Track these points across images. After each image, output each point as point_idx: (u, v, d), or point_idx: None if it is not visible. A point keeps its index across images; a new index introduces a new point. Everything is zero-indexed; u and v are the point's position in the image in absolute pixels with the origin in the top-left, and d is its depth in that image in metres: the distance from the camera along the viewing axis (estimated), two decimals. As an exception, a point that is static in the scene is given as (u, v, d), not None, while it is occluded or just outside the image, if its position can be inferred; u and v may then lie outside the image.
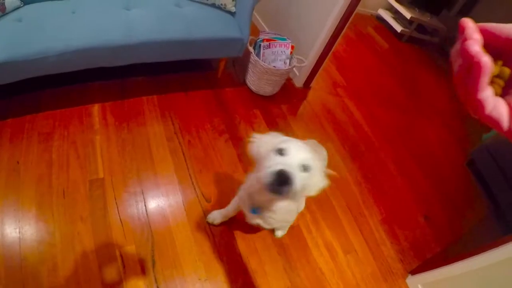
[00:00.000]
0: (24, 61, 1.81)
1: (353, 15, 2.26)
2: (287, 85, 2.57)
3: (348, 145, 2.38)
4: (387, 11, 4.80)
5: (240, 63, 2.48)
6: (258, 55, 2.30)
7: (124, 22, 1.94)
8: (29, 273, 1.48)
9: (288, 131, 2.25)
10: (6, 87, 1.90)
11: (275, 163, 0.94)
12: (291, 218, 1.53)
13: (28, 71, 1.88)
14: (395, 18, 4.69)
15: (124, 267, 1.51)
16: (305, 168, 0.97)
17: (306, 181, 0.99)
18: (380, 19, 4.86)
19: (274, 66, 2.27)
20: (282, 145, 0.99)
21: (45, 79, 1.93)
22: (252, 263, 1.61)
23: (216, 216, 1.66)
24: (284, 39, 2.36)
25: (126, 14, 1.97)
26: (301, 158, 0.97)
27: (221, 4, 2.15)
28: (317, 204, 1.93)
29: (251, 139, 1.12)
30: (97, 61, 1.97)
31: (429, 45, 4.80)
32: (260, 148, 1.07)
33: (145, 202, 1.71)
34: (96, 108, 2.03)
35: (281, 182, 0.91)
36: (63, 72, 1.94)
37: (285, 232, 1.75)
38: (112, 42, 1.90)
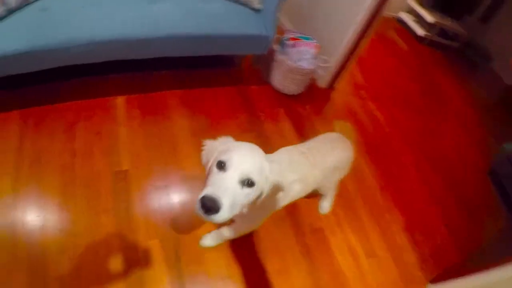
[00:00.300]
0: (48, 51, 1.81)
1: (379, 17, 2.22)
2: (311, 84, 2.55)
3: (370, 148, 2.35)
4: (408, 14, 4.74)
5: (264, 61, 2.45)
6: (283, 53, 2.28)
7: (149, 15, 1.93)
8: (50, 261, 1.48)
9: (312, 131, 2.23)
10: (31, 75, 1.91)
11: (211, 183, 0.89)
12: (258, 221, 1.38)
13: (52, 61, 1.89)
14: (416, 22, 4.62)
15: (146, 261, 1.51)
16: (247, 183, 0.89)
17: (250, 196, 0.91)
18: (401, 22, 4.80)
19: (300, 65, 2.24)
20: (223, 157, 0.91)
21: (70, 69, 1.93)
22: (275, 263, 1.60)
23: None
24: (310, 39, 2.34)
25: (151, 8, 1.96)
26: (241, 173, 0.88)
27: (246, 1, 2.13)
28: (341, 206, 1.91)
29: (202, 147, 1.06)
30: (121, 53, 1.97)
31: (450, 49, 4.73)
32: (208, 157, 1.00)
33: (169, 197, 1.70)
34: (120, 100, 2.02)
35: (207, 210, 0.82)
36: (88, 63, 1.94)
37: (214, 242, 1.58)
38: (137, 35, 1.90)
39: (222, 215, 0.83)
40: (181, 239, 1.58)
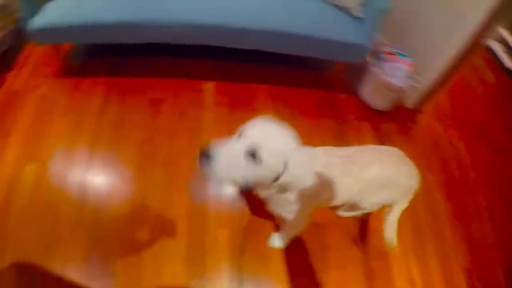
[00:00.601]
0: (146, 26, 1.89)
1: (479, 45, 2.08)
2: (398, 103, 2.43)
3: (447, 179, 2.21)
4: (499, 44, 4.40)
5: (355, 70, 2.38)
6: (377, 66, 2.19)
7: (250, 6, 1.94)
8: (116, 229, 1.53)
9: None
10: (126, 46, 1.97)
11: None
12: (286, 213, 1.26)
13: (149, 35, 1.96)
14: (506, 53, 4.28)
15: (212, 247, 1.52)
16: (253, 156, 0.85)
17: (255, 172, 0.87)
18: (490, 50, 4.47)
19: (392, 82, 2.15)
20: (244, 126, 0.90)
21: (164, 46, 1.97)
22: (335, 279, 1.56)
23: None
24: (405, 56, 2.23)
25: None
26: (249, 144, 0.85)
27: (346, 7, 2.06)
28: (409, 234, 1.82)
29: None
30: (217, 39, 2.00)
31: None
32: None
33: (246, 191, 1.70)
34: (210, 85, 2.05)
35: (202, 157, 0.83)
36: (183, 44, 1.98)
37: (282, 243, 1.57)
38: (235, 24, 1.92)
39: (214, 168, 0.83)
40: (250, 234, 1.57)
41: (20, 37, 2.41)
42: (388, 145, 2.14)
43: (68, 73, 2.20)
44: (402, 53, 2.24)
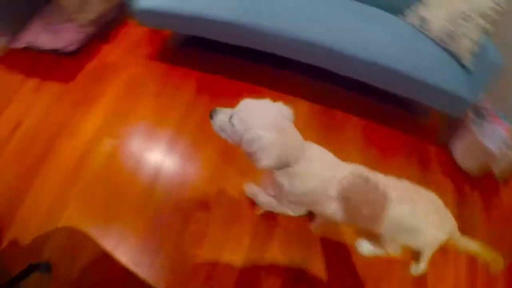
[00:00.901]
0: (251, 30, 1.88)
1: None
2: (487, 170, 2.24)
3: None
4: None
5: (452, 123, 2.22)
6: (475, 124, 2.06)
7: (362, 33, 1.87)
8: (177, 223, 1.56)
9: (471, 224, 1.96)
10: (226, 45, 1.96)
11: None
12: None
13: (252, 41, 1.96)
14: None
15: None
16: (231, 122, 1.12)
17: (232, 132, 1.13)
18: None
19: (487, 144, 2.00)
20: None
21: (263, 53, 1.93)
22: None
23: None
24: (507, 119, 2.08)
25: (363, 27, 1.94)
26: (232, 111, 1.15)
27: (457, 54, 1.95)
28: None
29: None
30: (322, 60, 1.95)
31: None
32: None
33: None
34: (302, 103, 2.00)
35: (210, 114, 1.19)
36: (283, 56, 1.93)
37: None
38: (344, 49, 1.85)
39: (213, 123, 1.18)
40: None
41: (123, 12, 2.48)
42: (466, 210, 2.02)
43: (162, 58, 2.22)
44: (504, 115, 2.09)
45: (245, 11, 1.89)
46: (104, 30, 2.42)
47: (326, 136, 1.90)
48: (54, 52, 2.35)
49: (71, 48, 2.27)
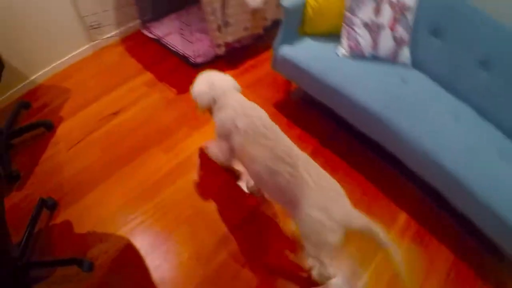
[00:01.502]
0: (385, 128, 1.71)
1: None
2: None
3: None
4: None
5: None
6: None
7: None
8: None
9: None
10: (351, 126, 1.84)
11: None
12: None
13: (381, 137, 1.84)
14: None
15: None
16: None
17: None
18: None
19: None
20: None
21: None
22: None
23: None
24: None
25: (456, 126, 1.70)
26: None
27: None
28: None
29: None
30: (444, 187, 1.66)
31: None
32: None
33: None
34: (403, 217, 1.79)
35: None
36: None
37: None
38: (480, 197, 1.55)
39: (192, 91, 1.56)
40: None
41: (256, 45, 2.46)
42: None
43: (281, 108, 2.14)
44: None
45: (386, 103, 1.72)
46: (233, 56, 2.41)
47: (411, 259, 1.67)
48: (180, 55, 2.36)
49: (199, 60, 2.29)
